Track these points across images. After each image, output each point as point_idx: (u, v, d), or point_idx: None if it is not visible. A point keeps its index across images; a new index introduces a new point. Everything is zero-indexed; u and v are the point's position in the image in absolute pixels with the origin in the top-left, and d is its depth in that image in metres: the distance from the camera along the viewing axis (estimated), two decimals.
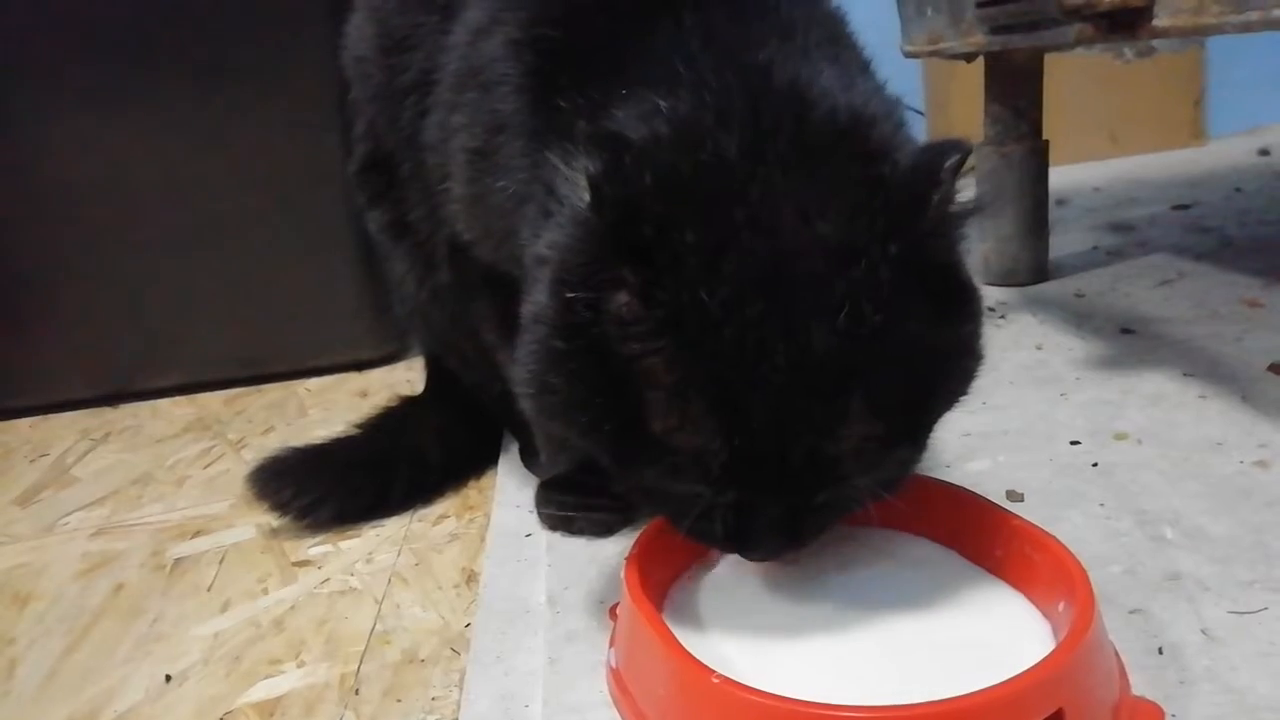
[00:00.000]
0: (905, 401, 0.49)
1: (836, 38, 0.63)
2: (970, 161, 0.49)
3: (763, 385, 0.45)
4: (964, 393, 0.54)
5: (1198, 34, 0.76)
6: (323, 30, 1.16)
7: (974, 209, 0.50)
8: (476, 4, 0.68)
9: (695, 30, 0.56)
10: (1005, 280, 1.29)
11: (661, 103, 0.52)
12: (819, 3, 0.65)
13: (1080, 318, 1.14)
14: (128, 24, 1.23)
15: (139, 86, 1.25)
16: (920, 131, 2.13)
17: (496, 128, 0.63)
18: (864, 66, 0.63)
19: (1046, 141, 1.28)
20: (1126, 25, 0.81)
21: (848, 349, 0.46)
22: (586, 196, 0.47)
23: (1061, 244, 1.44)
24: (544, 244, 0.52)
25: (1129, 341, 1.04)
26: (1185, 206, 1.62)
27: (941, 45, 1.21)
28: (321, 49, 1.16)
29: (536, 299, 0.52)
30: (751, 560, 0.56)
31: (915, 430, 0.52)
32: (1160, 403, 0.88)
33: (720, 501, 0.50)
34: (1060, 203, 1.74)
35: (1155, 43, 2.07)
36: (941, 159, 0.48)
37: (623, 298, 0.47)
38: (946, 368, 0.51)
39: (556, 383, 0.50)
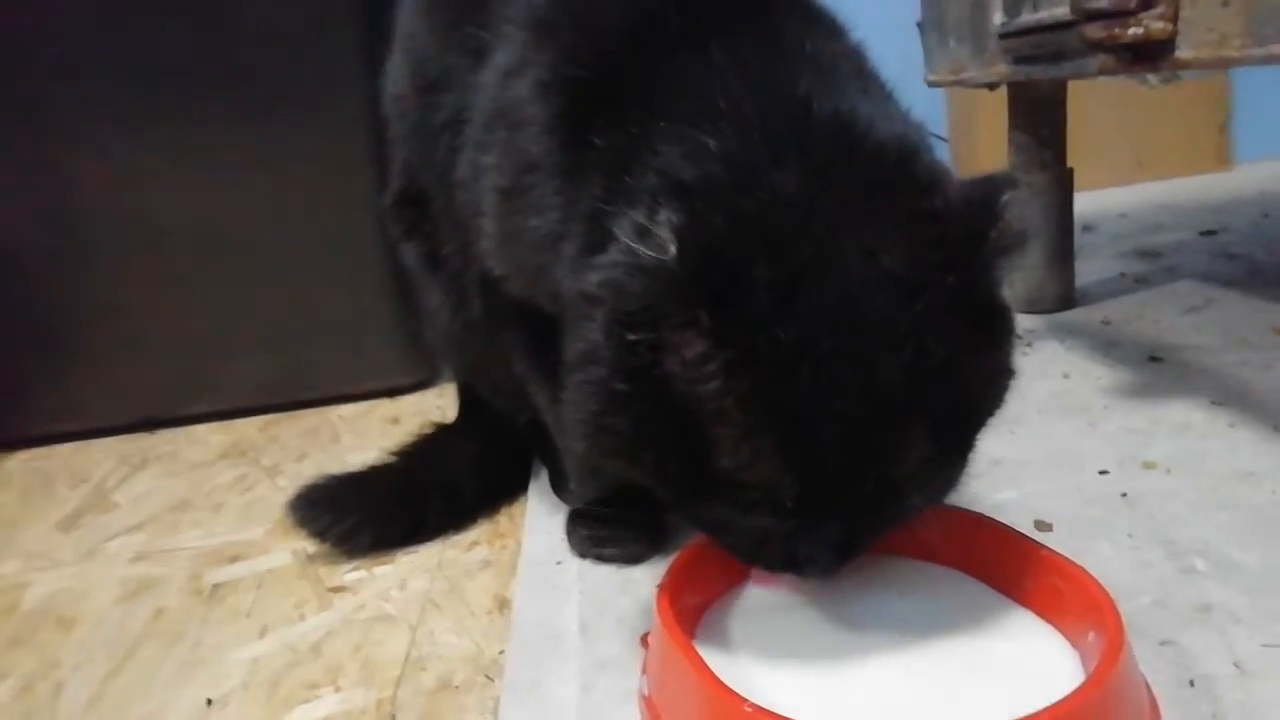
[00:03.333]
0: (957, 421, 0.52)
1: (861, 71, 0.64)
2: None
3: (834, 420, 0.47)
4: (1001, 406, 0.55)
5: (1220, 66, 0.76)
6: (356, 67, 1.20)
7: (1022, 241, 0.51)
8: (505, 46, 0.69)
9: (727, 64, 0.57)
10: (1032, 308, 1.30)
11: (710, 141, 0.52)
12: (841, 37, 0.67)
13: (1108, 345, 1.14)
14: (165, 61, 1.27)
15: (177, 122, 1.28)
16: (943, 157, 2.15)
17: (526, 167, 0.64)
18: (889, 96, 0.64)
19: (1070, 170, 1.29)
20: (1149, 57, 0.82)
21: (913, 381, 0.47)
22: (673, 249, 0.45)
23: (1088, 271, 1.44)
24: (594, 283, 0.52)
25: (1157, 369, 1.05)
26: (1212, 232, 1.61)
27: (964, 75, 1.22)
28: (355, 85, 1.20)
29: (587, 337, 0.52)
30: (805, 577, 0.57)
31: (963, 447, 0.54)
32: (1189, 431, 0.88)
33: (784, 528, 0.52)
34: (1087, 229, 1.74)
35: None
36: (997, 194, 0.49)
37: (692, 338, 0.47)
38: (990, 387, 0.54)
39: (618, 423, 0.51)
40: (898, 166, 0.52)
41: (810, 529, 0.52)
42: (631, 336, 0.48)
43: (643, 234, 0.47)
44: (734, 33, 0.59)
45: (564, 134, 0.61)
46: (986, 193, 0.49)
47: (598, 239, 0.54)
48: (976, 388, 0.52)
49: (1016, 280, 1.30)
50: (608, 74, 0.61)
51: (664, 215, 0.46)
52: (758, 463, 0.48)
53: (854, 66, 0.62)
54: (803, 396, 0.46)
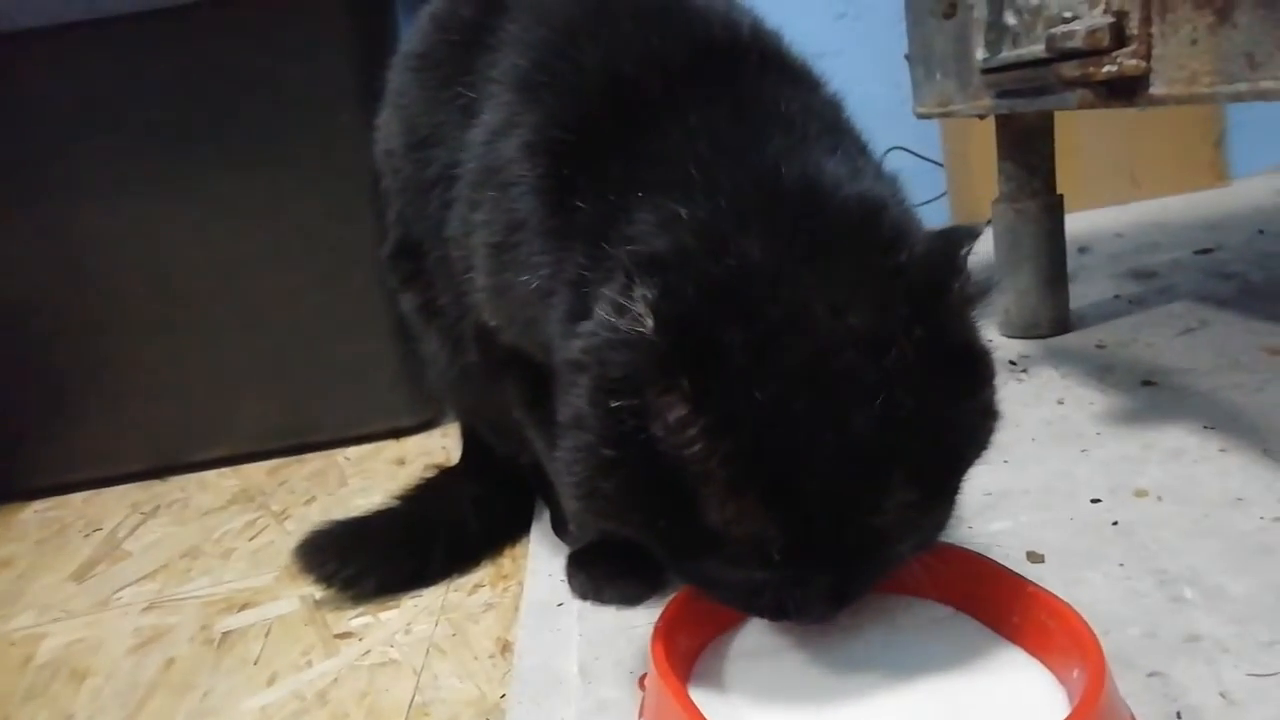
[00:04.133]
0: (937, 468, 0.53)
1: (835, 126, 0.65)
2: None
3: (813, 474, 0.49)
4: (985, 449, 0.57)
5: (1192, 102, 0.78)
6: (355, 119, 1.22)
7: (989, 289, 0.53)
8: (493, 106, 0.72)
9: (702, 132, 0.59)
10: (1026, 333, 1.31)
11: (681, 210, 0.54)
12: (816, 92, 0.69)
13: (1102, 370, 1.15)
14: (170, 116, 1.30)
15: (182, 174, 1.32)
16: (940, 182, 2.17)
17: (515, 225, 0.66)
18: (862, 149, 0.66)
19: (1060, 196, 1.31)
20: (1125, 93, 0.84)
21: (887, 431, 0.49)
22: (650, 322, 0.48)
23: (1083, 293, 1.45)
24: (578, 348, 0.54)
25: (1150, 394, 1.05)
26: (1208, 250, 1.62)
27: (951, 108, 1.24)
28: (354, 137, 1.22)
29: (575, 403, 0.54)
30: (798, 625, 0.59)
31: (947, 492, 0.56)
32: (1181, 457, 0.89)
33: (774, 580, 0.53)
34: (1082, 250, 1.75)
35: None
36: (956, 247, 0.52)
37: (674, 403, 0.49)
38: (971, 431, 0.55)
39: (607, 487, 0.53)
40: (861, 225, 0.54)
41: (799, 579, 0.53)
42: (615, 403, 0.50)
43: (619, 310, 0.49)
44: (710, 95, 0.61)
45: (549, 195, 0.63)
46: (948, 245, 0.52)
47: (581, 306, 0.57)
48: (955, 433, 0.53)
49: (1011, 306, 1.32)
50: (590, 137, 0.63)
51: (638, 291, 0.48)
52: (743, 518, 0.50)
53: (827, 123, 0.64)
54: (782, 453, 0.48)
